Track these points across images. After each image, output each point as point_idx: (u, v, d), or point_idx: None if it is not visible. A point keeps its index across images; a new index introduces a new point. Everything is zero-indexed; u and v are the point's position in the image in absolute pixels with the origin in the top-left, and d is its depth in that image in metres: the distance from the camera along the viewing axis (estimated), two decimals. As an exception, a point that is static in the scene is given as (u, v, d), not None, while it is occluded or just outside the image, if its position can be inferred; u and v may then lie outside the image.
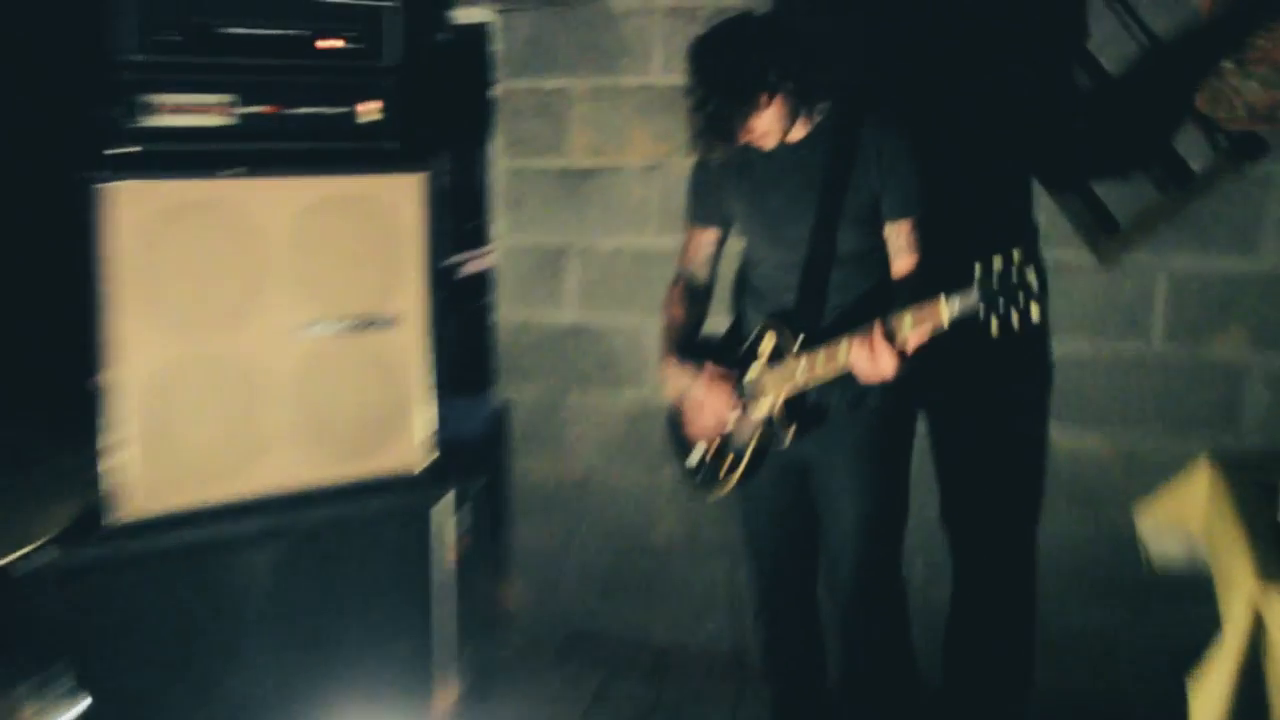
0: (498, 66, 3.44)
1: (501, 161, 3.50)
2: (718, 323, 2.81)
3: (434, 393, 2.89)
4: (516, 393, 3.59)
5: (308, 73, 2.59)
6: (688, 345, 2.52)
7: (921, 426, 3.08)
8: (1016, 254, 2.01)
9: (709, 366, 2.41)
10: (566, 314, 3.50)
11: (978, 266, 2.04)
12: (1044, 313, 1.99)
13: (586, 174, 3.41)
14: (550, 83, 3.40)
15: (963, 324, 2.10)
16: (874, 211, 2.37)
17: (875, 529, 2.41)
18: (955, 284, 2.08)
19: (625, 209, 3.39)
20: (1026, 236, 2.69)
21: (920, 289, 2.20)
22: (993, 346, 2.05)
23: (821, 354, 2.29)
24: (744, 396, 2.41)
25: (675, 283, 2.61)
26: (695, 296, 2.58)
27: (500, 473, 3.56)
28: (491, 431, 3.54)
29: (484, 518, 2.91)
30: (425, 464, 2.89)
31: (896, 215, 2.37)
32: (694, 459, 2.51)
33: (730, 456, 2.47)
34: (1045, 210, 3.02)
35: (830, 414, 2.42)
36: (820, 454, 2.45)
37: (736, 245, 2.73)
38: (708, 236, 2.59)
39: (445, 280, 2.86)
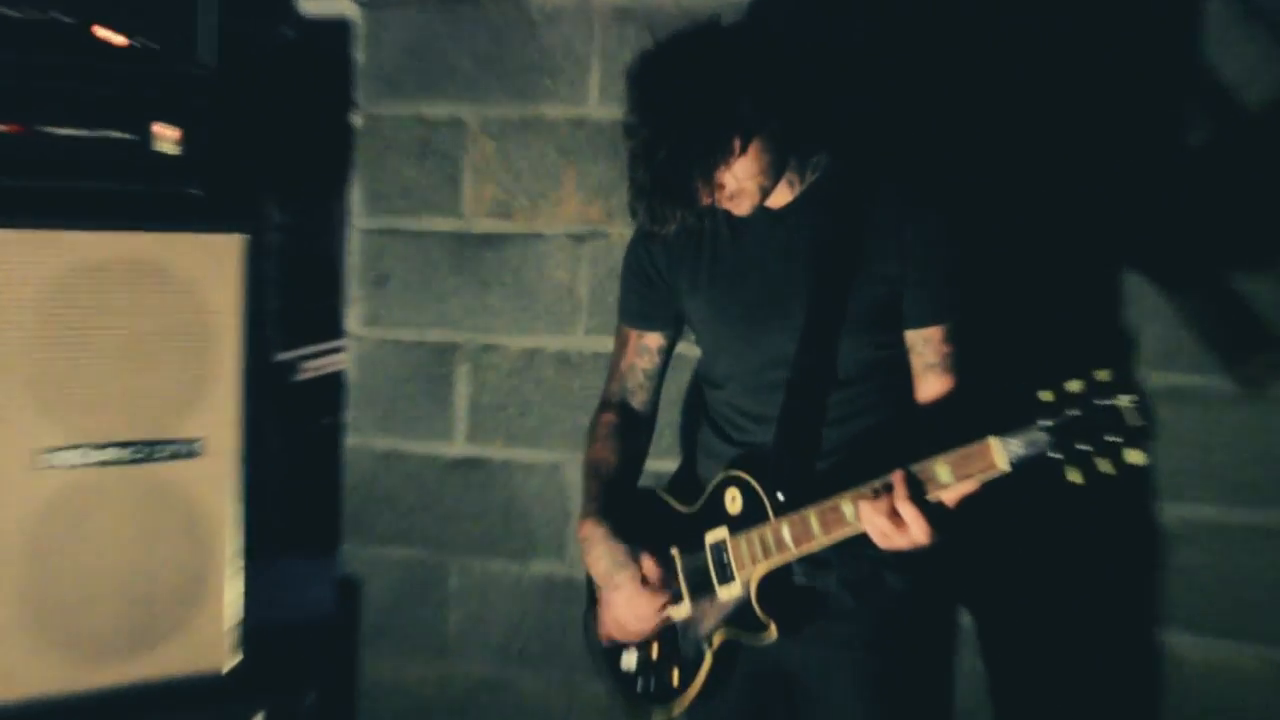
0: (362, 83, 3.44)
1: (362, 220, 3.50)
2: (662, 466, 2.80)
3: (245, 558, 2.94)
4: (372, 560, 3.58)
5: (76, 76, 2.49)
6: (617, 501, 2.48)
7: (965, 619, 3.10)
8: (1102, 375, 2.00)
9: (647, 562, 2.36)
10: (453, 444, 3.47)
11: (1045, 395, 2.02)
12: (1147, 458, 1.98)
13: (488, 241, 3.40)
14: (438, 109, 3.39)
15: (1031, 472, 2.10)
16: (891, 312, 2.35)
17: None
18: (1012, 419, 2.07)
19: (544, 294, 3.37)
20: (1119, 351, 2.64)
21: (960, 424, 2.16)
22: (1077, 505, 2.05)
23: (814, 517, 2.25)
24: (700, 576, 2.38)
25: (601, 410, 2.59)
26: (629, 429, 2.56)
27: (345, 681, 3.52)
28: (333, 618, 3.51)
29: None
30: (227, 667, 2.93)
31: (926, 320, 2.34)
32: (628, 663, 2.47)
33: (680, 663, 2.42)
34: (1153, 315, 2.99)
35: (828, 603, 2.39)
36: (812, 665, 2.42)
37: (690, 355, 2.72)
38: (649, 343, 2.56)
39: (272, 390, 2.94)
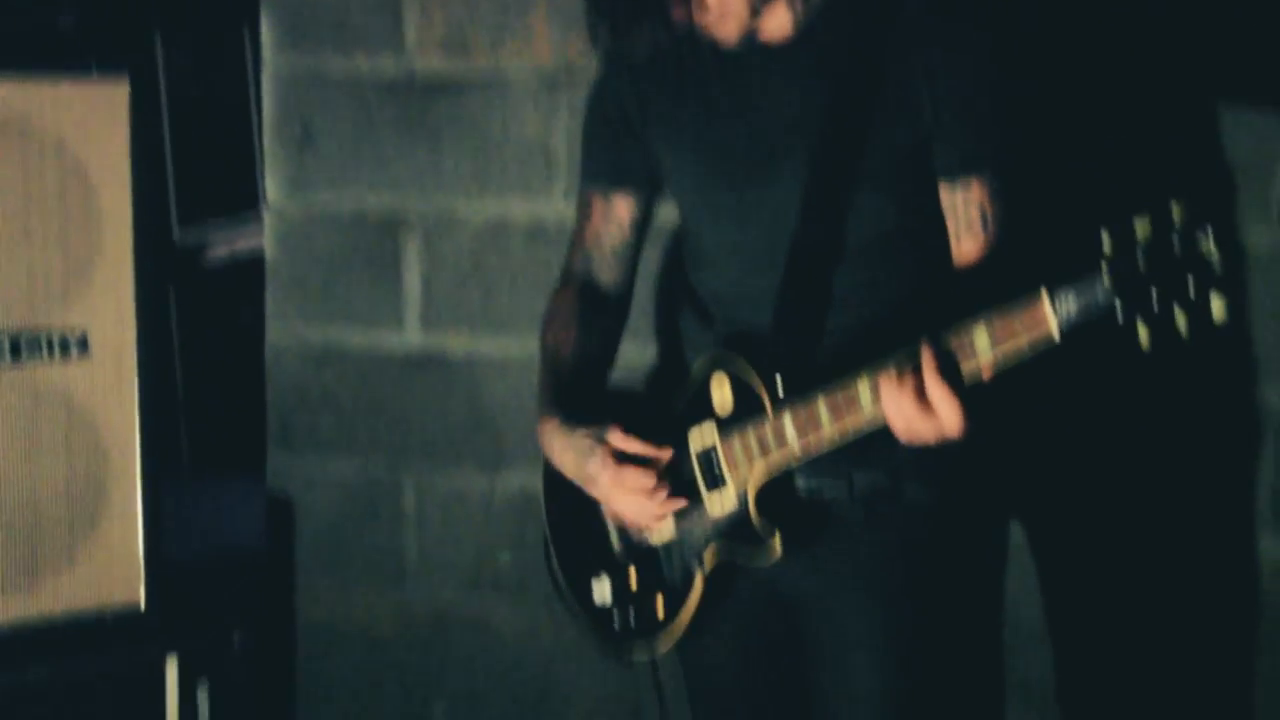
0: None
1: (276, 60, 3.42)
2: (638, 355, 2.77)
3: (149, 476, 2.92)
4: (308, 476, 3.56)
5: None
6: (583, 394, 2.49)
7: (1017, 535, 3.05)
8: (1177, 210, 1.95)
9: (615, 435, 2.36)
10: (403, 336, 3.46)
11: (1106, 236, 1.97)
12: (1233, 312, 1.94)
13: (440, 86, 3.34)
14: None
15: (1089, 336, 2.04)
16: (917, 164, 2.32)
17: None
18: (1065, 272, 2.01)
19: (511, 150, 3.32)
20: (1196, 191, 2.50)
21: (1002, 285, 2.12)
22: (1145, 377, 2.03)
23: (823, 404, 2.23)
24: (687, 483, 2.38)
25: (560, 287, 2.60)
26: (596, 310, 2.57)
27: (280, 618, 3.50)
28: (263, 545, 3.48)
29: (243, 702, 2.97)
30: (131, 604, 2.92)
31: (961, 169, 2.30)
32: (601, 595, 2.48)
33: (666, 590, 2.44)
34: (1240, 164, 2.91)
35: (838, 515, 2.39)
36: (818, 594, 2.42)
37: (668, 218, 2.65)
38: (618, 209, 2.55)
39: (176, 273, 2.94)
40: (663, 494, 2.35)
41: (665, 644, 2.44)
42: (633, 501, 2.37)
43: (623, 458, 2.35)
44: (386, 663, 3.54)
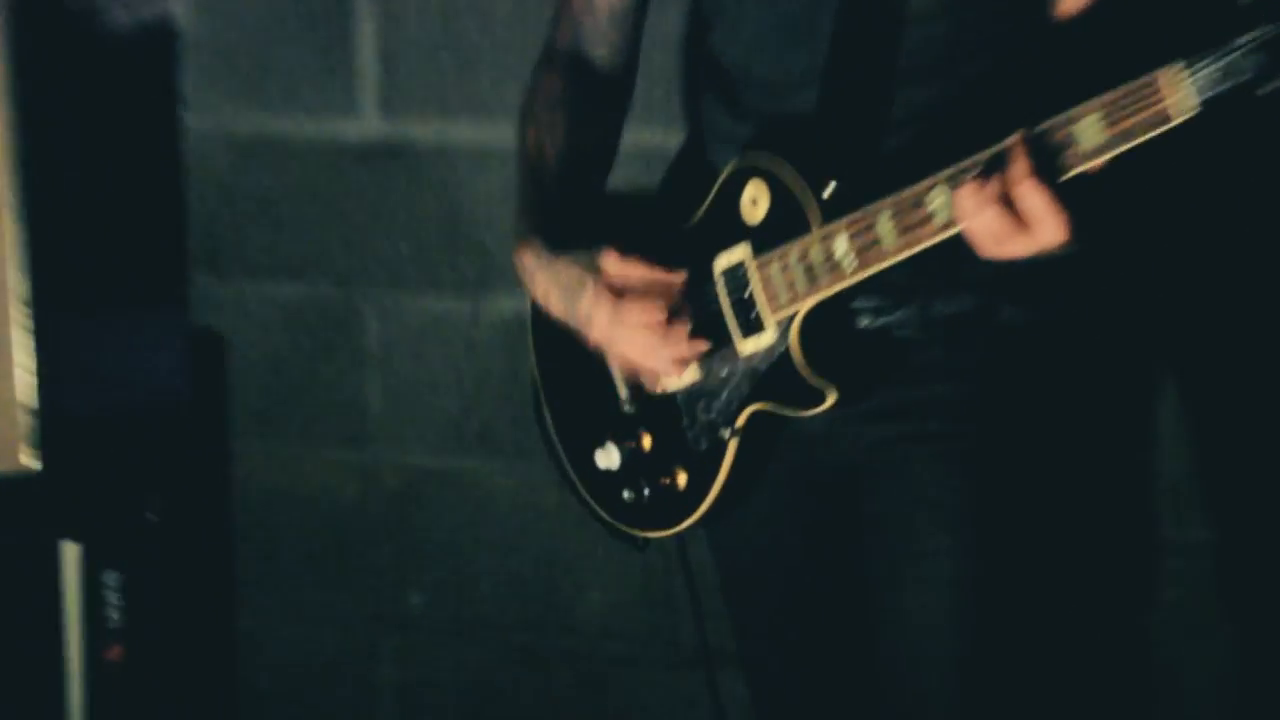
0: None
1: None
2: (644, 146, 2.67)
3: (38, 311, 2.96)
4: (241, 304, 3.53)
5: None
6: (574, 209, 2.48)
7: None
8: None
9: (610, 260, 2.35)
10: (358, 121, 3.43)
11: None
12: None
13: None
14: None
15: (1222, 116, 1.96)
16: None
17: (997, 657, 2.41)
18: (1194, 40, 1.93)
19: None
20: None
21: (1113, 50, 2.10)
22: None
23: (885, 216, 2.18)
24: (711, 320, 2.36)
25: (542, 69, 2.57)
26: (589, 95, 2.55)
27: (209, 487, 3.51)
28: (184, 395, 3.42)
29: (163, 595, 3.03)
30: (14, 473, 2.94)
31: None
32: (606, 460, 2.47)
33: (688, 458, 2.44)
34: None
35: (909, 353, 2.38)
36: (883, 456, 2.43)
37: None
38: None
39: (64, 47, 3.02)
40: (680, 331, 2.33)
41: (688, 521, 2.42)
42: (640, 343, 2.35)
43: (624, 289, 2.33)
44: (347, 544, 3.55)
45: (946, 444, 2.38)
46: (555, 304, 2.42)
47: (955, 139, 2.20)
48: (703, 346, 2.35)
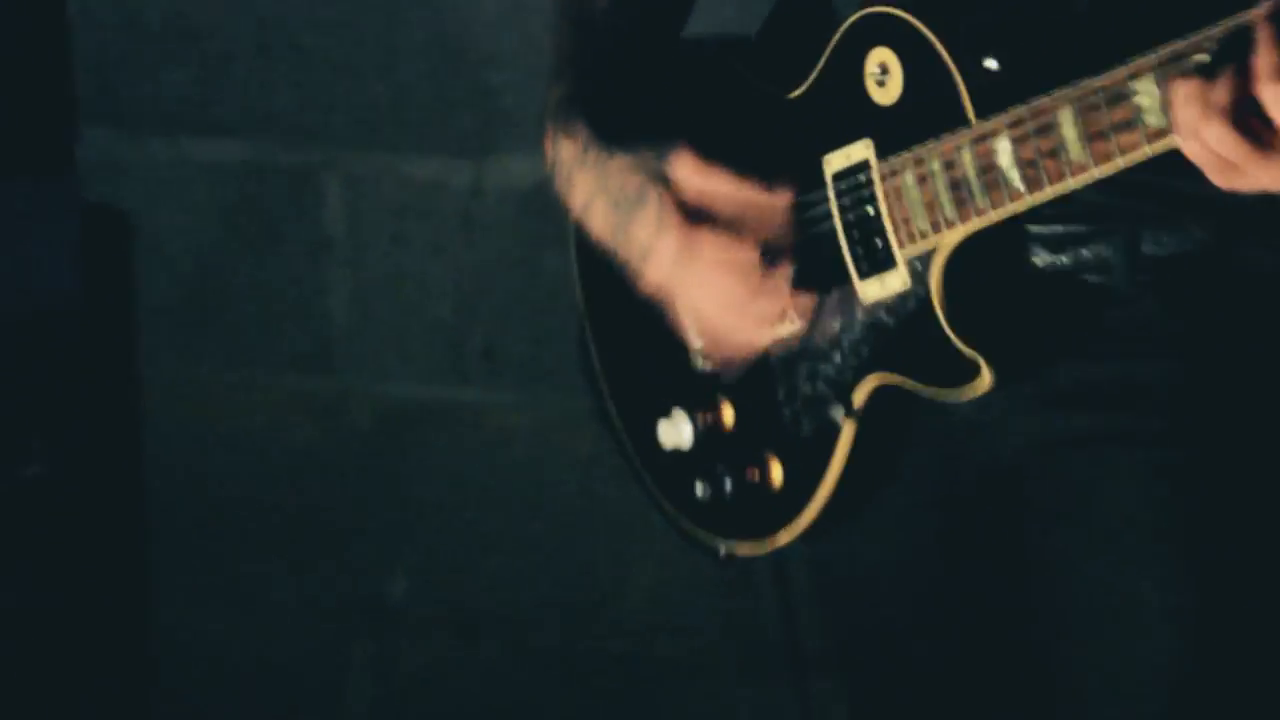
0: None
1: None
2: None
3: None
4: (149, 171, 3.36)
5: None
6: (635, 77, 2.29)
7: None
8: None
9: (684, 164, 2.12)
10: None
11: None
12: None
13: None
14: None
15: None
16: None
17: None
18: None
19: None
20: None
21: None
22: None
23: (1066, 115, 1.96)
24: (820, 252, 2.15)
25: None
26: None
27: (111, 425, 3.26)
28: (77, 292, 3.20)
29: (48, 563, 3.02)
30: None
31: None
32: (673, 438, 2.25)
33: (785, 444, 2.22)
34: None
35: (1105, 307, 2.14)
36: (1062, 457, 2.16)
37: None
38: None
39: None
40: (779, 277, 2.10)
41: (785, 536, 2.17)
42: (721, 290, 2.12)
43: (699, 214, 2.08)
44: (303, 507, 3.42)
45: (1156, 447, 2.10)
46: (600, 223, 2.17)
47: (1169, 5, 1.93)
48: (809, 302, 2.14)
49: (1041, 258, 2.08)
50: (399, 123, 3.28)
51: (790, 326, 2.14)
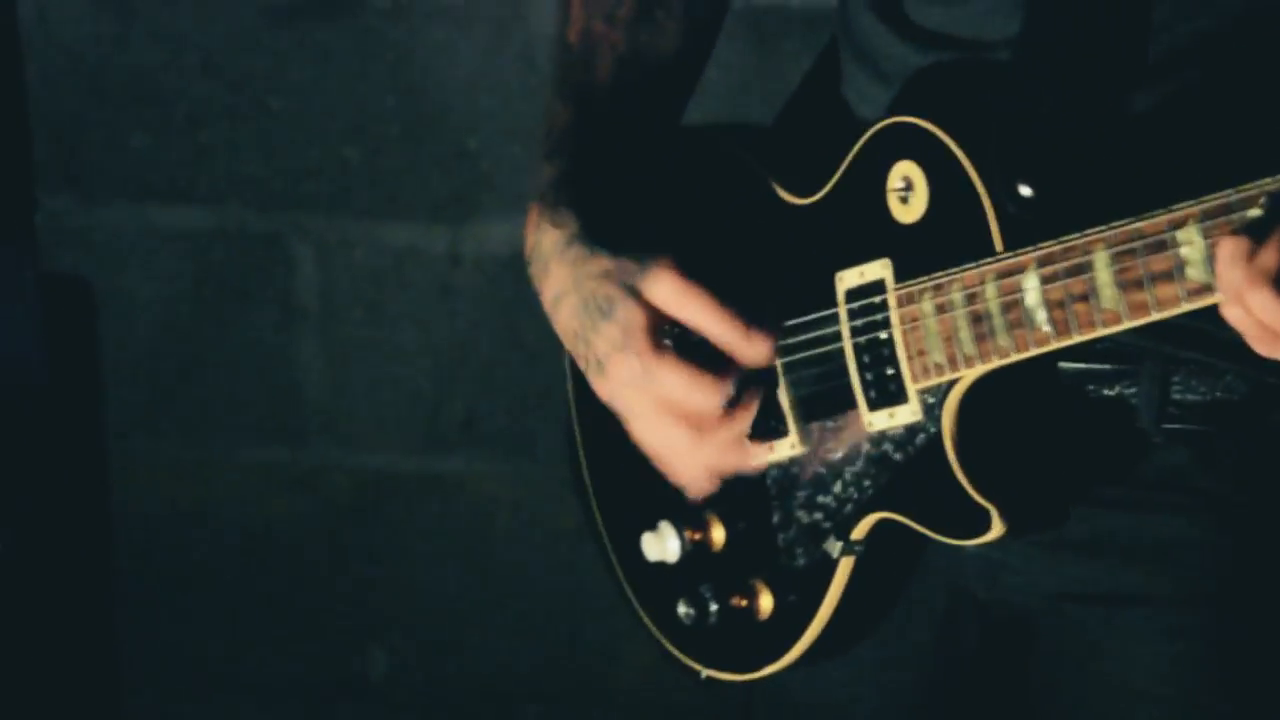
0: None
1: None
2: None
3: None
4: (116, 236, 3.36)
5: None
6: (623, 161, 2.18)
7: None
8: None
9: (663, 279, 2.04)
10: None
11: None
12: None
13: None
14: None
15: None
16: None
17: None
18: None
19: None
20: None
21: None
22: None
23: (1101, 258, 1.88)
24: (823, 374, 2.09)
25: None
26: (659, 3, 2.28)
27: (80, 508, 3.26)
28: (41, 369, 3.16)
29: (18, 666, 2.98)
30: None
31: None
32: (658, 546, 2.19)
33: (778, 574, 2.17)
34: None
35: (1127, 461, 2.07)
36: (1074, 617, 2.12)
37: None
38: None
39: None
40: (734, 429, 2.03)
41: (770, 669, 2.08)
42: (663, 434, 2.03)
43: (663, 342, 1.99)
44: (279, 583, 3.41)
45: (1172, 609, 2.04)
46: (566, 322, 2.06)
47: (1220, 151, 1.93)
48: (755, 462, 2.06)
49: (1062, 398, 2.02)
50: (372, 187, 3.24)
51: (788, 446, 2.09)
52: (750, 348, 1.99)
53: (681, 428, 1.98)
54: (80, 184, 3.33)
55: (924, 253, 1.94)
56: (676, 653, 2.11)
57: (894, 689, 2.19)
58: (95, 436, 3.37)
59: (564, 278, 2.07)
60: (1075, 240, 1.83)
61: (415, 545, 3.30)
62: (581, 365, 2.04)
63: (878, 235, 1.98)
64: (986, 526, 1.91)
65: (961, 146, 1.93)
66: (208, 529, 3.38)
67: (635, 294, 1.97)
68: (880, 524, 2.01)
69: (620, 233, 2.04)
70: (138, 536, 3.38)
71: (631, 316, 1.96)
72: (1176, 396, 1.98)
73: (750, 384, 2.00)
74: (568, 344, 2.07)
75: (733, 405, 1.98)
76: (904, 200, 1.97)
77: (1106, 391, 2.00)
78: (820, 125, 2.18)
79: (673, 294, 1.94)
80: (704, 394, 1.94)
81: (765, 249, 2.07)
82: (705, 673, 2.09)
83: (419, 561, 3.32)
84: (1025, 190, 1.91)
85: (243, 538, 3.38)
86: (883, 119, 1.97)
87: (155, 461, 3.41)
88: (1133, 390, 1.97)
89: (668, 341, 1.96)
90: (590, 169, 2.10)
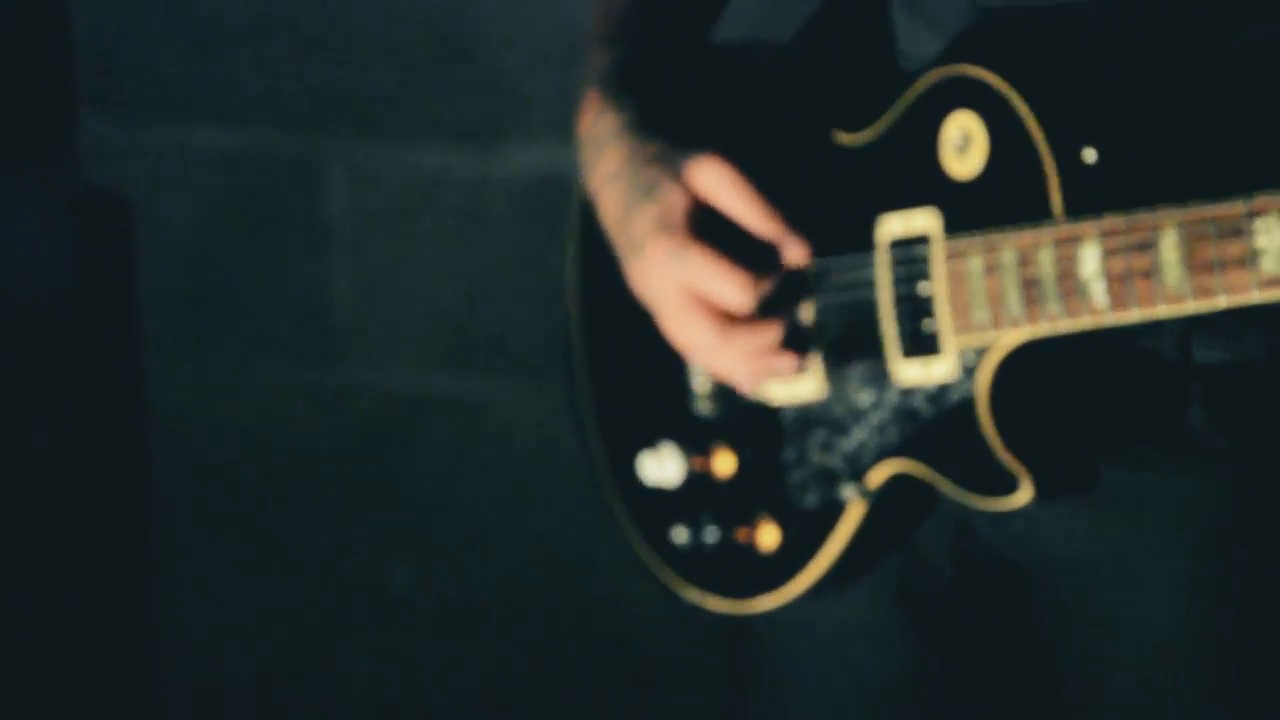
0: None
1: None
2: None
3: None
4: (150, 156, 3.35)
5: None
6: (671, 64, 2.18)
7: None
8: None
9: (708, 167, 2.04)
10: None
11: None
12: None
13: None
14: None
15: None
16: None
17: None
18: None
19: None
20: None
21: None
22: None
23: (1173, 233, 1.88)
24: (860, 306, 2.06)
25: None
26: None
27: (114, 414, 3.37)
28: (72, 283, 3.35)
29: (52, 572, 3.10)
30: None
31: None
32: (657, 468, 2.18)
33: (782, 509, 2.14)
34: None
35: (1167, 436, 2.05)
36: (1093, 565, 2.10)
37: None
38: None
39: None
40: (766, 336, 2.01)
41: (767, 603, 2.07)
42: (688, 325, 2.02)
43: (708, 225, 1.96)
44: (303, 498, 3.42)
45: (1198, 568, 2.05)
46: (611, 204, 2.04)
47: None
48: (792, 364, 2.04)
49: (1097, 364, 2.01)
50: (404, 110, 3.26)
51: (811, 386, 2.09)
52: (788, 244, 1.99)
53: (709, 320, 1.96)
54: (119, 105, 3.36)
55: (976, 208, 1.93)
56: (665, 572, 2.15)
57: (890, 627, 2.16)
58: (130, 350, 3.39)
59: (617, 160, 2.06)
60: (1143, 216, 1.82)
61: (439, 463, 3.32)
62: (620, 252, 2.03)
63: (927, 185, 1.96)
64: (1014, 490, 1.92)
65: (1027, 104, 1.91)
66: (237, 443, 3.41)
67: (679, 177, 1.99)
68: (897, 476, 2.01)
69: (676, 126, 2.05)
70: (169, 448, 3.42)
71: (673, 198, 1.98)
72: (1197, 357, 2.00)
73: (782, 298, 2.01)
74: (610, 228, 2.06)
75: (769, 307, 1.99)
76: (960, 153, 1.99)
77: (1129, 350, 2.01)
78: (865, 58, 2.15)
79: (716, 181, 1.95)
80: (734, 287, 1.94)
81: (802, 178, 2.04)
82: (688, 596, 2.12)
83: (442, 479, 3.34)
84: (1090, 155, 1.91)
85: (270, 452, 3.41)
86: (941, 64, 1.97)
87: (187, 375, 3.42)
88: (1154, 345, 1.98)
89: (702, 233, 1.97)
90: (651, 59, 2.10)
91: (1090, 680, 2.11)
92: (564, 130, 2.21)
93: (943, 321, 1.94)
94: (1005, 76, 1.92)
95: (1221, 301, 1.76)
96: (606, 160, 2.06)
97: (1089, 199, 1.85)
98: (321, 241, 3.35)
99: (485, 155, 3.24)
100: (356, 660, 3.46)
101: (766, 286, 1.97)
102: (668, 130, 2.01)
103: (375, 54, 3.26)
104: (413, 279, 3.32)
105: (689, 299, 1.97)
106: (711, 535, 2.11)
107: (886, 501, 2.00)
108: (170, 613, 3.42)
